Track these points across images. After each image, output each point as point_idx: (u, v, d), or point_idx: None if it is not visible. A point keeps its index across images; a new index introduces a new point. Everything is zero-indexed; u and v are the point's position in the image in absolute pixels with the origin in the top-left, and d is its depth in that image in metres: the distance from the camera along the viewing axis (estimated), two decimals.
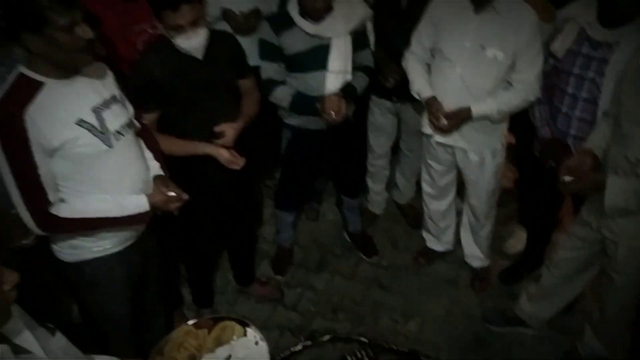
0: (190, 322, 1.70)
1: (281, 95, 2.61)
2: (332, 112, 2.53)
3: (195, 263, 2.82)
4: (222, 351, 1.62)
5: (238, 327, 1.67)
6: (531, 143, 2.64)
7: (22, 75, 1.68)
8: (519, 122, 2.72)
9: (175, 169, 2.15)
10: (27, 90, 1.65)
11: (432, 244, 3.23)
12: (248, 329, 1.67)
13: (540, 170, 2.57)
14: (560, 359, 2.68)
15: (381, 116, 3.15)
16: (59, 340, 1.36)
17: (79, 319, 2.45)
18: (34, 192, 1.69)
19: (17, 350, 1.19)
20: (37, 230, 1.75)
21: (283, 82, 2.64)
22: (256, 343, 1.63)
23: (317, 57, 2.57)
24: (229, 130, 2.33)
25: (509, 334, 2.81)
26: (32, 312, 1.36)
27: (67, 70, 1.73)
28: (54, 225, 1.76)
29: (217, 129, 2.32)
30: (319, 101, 2.56)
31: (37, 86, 1.67)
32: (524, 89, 2.48)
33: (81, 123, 1.73)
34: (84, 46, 1.67)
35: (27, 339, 1.24)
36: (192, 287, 2.91)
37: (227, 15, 2.87)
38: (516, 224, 3.32)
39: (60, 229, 1.81)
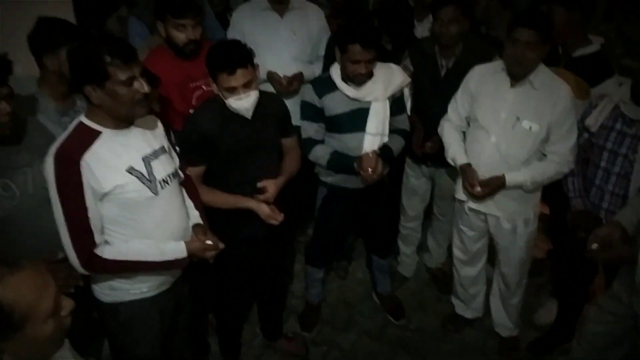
0: None
1: (320, 154, 2.72)
2: (369, 170, 2.61)
3: (225, 313, 2.87)
4: None
5: None
6: (564, 214, 2.65)
7: (82, 124, 1.82)
8: (552, 192, 2.74)
9: (215, 220, 2.24)
10: (86, 138, 1.79)
11: (461, 310, 3.21)
12: None
13: (572, 242, 2.57)
14: None
15: (415, 179, 3.22)
16: None
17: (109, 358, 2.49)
18: (82, 233, 1.79)
19: None
20: (81, 269, 1.84)
21: (322, 141, 2.75)
22: None
23: (356, 120, 2.69)
24: (271, 186, 2.43)
25: None
26: None
27: (123, 121, 1.86)
28: (97, 265, 1.85)
29: (260, 184, 2.42)
30: (356, 160, 2.65)
31: (95, 135, 1.80)
32: (558, 160, 2.53)
33: (131, 170, 1.85)
34: (140, 99, 1.82)
35: None
36: (219, 337, 2.94)
37: (271, 77, 3.04)
38: (547, 295, 3.28)
39: (102, 270, 1.90)
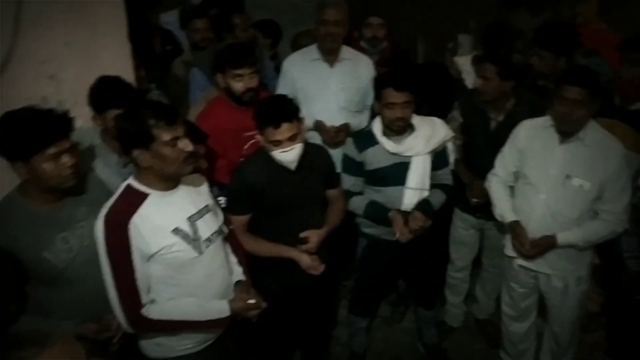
0: None
1: (357, 204, 2.74)
2: (398, 233, 2.62)
3: None
4: None
5: None
6: (618, 271, 2.57)
7: (130, 186, 1.91)
8: (604, 245, 2.64)
9: (258, 269, 2.29)
10: (134, 200, 1.88)
11: None
12: None
13: (628, 301, 2.48)
14: None
15: (464, 230, 3.19)
16: None
17: None
18: (129, 293, 1.87)
19: None
20: (128, 328, 1.92)
21: (360, 193, 2.77)
22: None
23: (396, 174, 2.70)
24: (313, 237, 2.46)
25: None
26: None
27: (170, 180, 1.94)
28: (143, 325, 1.92)
29: (303, 234, 2.46)
30: (391, 213, 2.65)
31: (142, 197, 1.89)
32: (612, 220, 2.45)
33: (177, 231, 1.92)
34: (185, 158, 1.89)
35: None
36: None
37: (319, 127, 3.09)
38: (601, 354, 3.15)
39: (148, 328, 1.97)
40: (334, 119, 3.10)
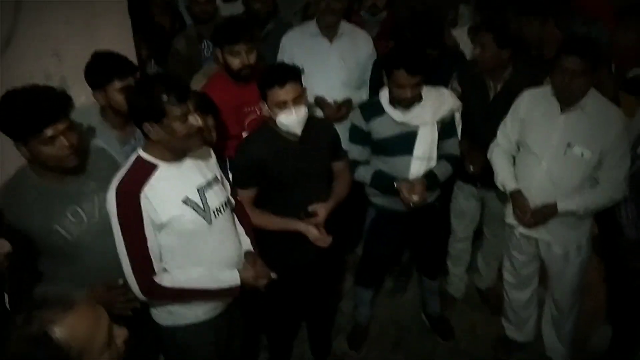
0: None
1: (363, 173, 2.77)
2: (408, 195, 2.64)
3: (275, 333, 2.95)
4: None
5: None
6: (617, 239, 2.60)
7: (140, 157, 1.94)
8: (603, 213, 2.67)
9: (265, 244, 2.32)
10: (144, 171, 1.90)
11: (512, 333, 3.17)
12: None
13: (626, 268, 2.52)
14: None
15: (465, 201, 3.22)
16: None
17: None
18: (142, 262, 1.91)
19: None
20: (142, 296, 1.96)
21: (366, 163, 2.80)
22: None
23: (403, 143, 2.72)
24: (321, 210, 2.48)
25: None
26: None
27: (179, 154, 1.96)
28: (156, 292, 1.96)
29: (311, 208, 2.48)
30: (396, 181, 2.68)
31: (152, 168, 1.91)
32: (611, 188, 2.48)
33: (187, 201, 1.95)
34: (195, 133, 1.91)
35: None
36: (270, 356, 3.03)
37: (321, 102, 3.10)
38: (601, 321, 3.20)
39: (161, 296, 2.01)
40: (334, 95, 3.11)
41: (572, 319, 2.91)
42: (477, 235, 3.45)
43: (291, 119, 2.31)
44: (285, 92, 2.27)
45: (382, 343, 3.31)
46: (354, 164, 2.77)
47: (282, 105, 2.29)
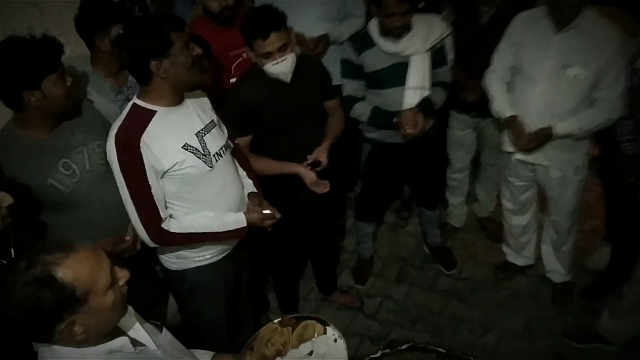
0: (276, 320, 1.86)
1: (360, 111, 2.75)
2: (408, 128, 2.63)
3: (282, 273, 3.01)
4: (304, 347, 1.77)
5: (318, 326, 1.81)
6: (615, 156, 2.61)
7: (136, 105, 1.91)
8: (604, 134, 2.68)
9: (264, 188, 2.33)
10: (142, 119, 1.88)
11: (512, 258, 3.24)
12: (328, 328, 1.80)
13: (624, 186, 2.54)
14: None
15: (460, 131, 3.21)
16: (166, 335, 1.53)
17: (172, 325, 2.67)
18: (148, 209, 1.91)
19: (134, 342, 1.36)
20: (150, 243, 1.97)
21: (362, 98, 2.77)
22: (335, 340, 1.77)
23: (396, 74, 2.70)
24: (322, 155, 2.47)
25: (589, 351, 2.78)
26: None
27: (177, 96, 1.94)
28: (165, 239, 1.98)
29: (311, 158, 2.46)
30: (396, 116, 2.67)
31: (149, 115, 1.89)
32: (607, 107, 2.47)
33: (187, 147, 1.94)
34: (197, 62, 1.90)
35: (140, 333, 1.41)
36: (278, 294, 3.10)
37: (298, 40, 3.02)
38: (600, 239, 3.26)
39: (169, 242, 2.03)
40: (311, 31, 3.01)
41: (571, 240, 2.97)
42: (475, 165, 3.47)
43: (278, 68, 2.28)
44: (269, 44, 2.22)
45: (385, 276, 3.38)
46: (349, 100, 2.74)
47: (268, 55, 2.25)
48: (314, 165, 2.46)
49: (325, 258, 3.14)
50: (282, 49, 2.25)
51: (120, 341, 1.32)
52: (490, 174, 3.37)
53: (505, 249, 3.27)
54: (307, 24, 3.01)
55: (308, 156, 2.46)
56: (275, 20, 2.23)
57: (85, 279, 1.18)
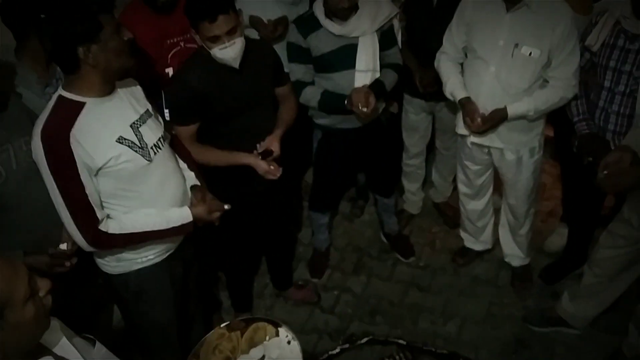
0: (223, 325, 1.73)
1: (310, 96, 2.63)
2: (360, 105, 2.52)
3: (233, 269, 2.86)
4: (255, 352, 1.65)
5: (270, 328, 1.69)
6: (570, 137, 2.57)
7: (62, 97, 1.73)
8: (557, 114, 2.65)
9: (211, 179, 2.19)
10: (69, 112, 1.71)
11: (470, 243, 3.19)
12: (280, 329, 1.69)
13: (580, 167, 2.50)
14: None
15: (414, 115, 3.13)
16: (99, 350, 1.39)
17: (119, 328, 2.51)
18: (82, 211, 1.75)
19: None
20: (87, 247, 1.81)
21: (312, 83, 2.66)
22: (288, 342, 1.65)
23: (344, 57, 2.59)
24: (273, 144, 2.34)
25: (551, 335, 2.76)
26: (73, 323, 1.40)
27: (108, 84, 1.78)
28: (103, 241, 1.82)
29: (261, 147, 2.33)
30: (347, 98, 2.56)
31: (78, 107, 1.72)
32: (561, 86, 2.43)
33: (121, 140, 1.78)
34: (128, 47, 1.76)
35: (68, 350, 1.27)
36: (230, 293, 2.96)
37: (255, 22, 2.89)
38: (557, 221, 3.25)
39: (109, 245, 1.87)
40: (269, 13, 2.89)
41: (528, 223, 2.93)
42: (430, 150, 3.40)
43: (226, 53, 2.13)
44: (217, 27, 2.07)
45: (343, 268, 3.29)
46: (298, 85, 2.61)
47: (215, 39, 2.10)
48: (265, 154, 2.33)
49: (280, 252, 3.02)
50: (231, 33, 2.10)
51: None
52: (447, 159, 3.30)
53: (462, 234, 3.22)
54: (264, 6, 2.88)
55: (258, 145, 2.33)
56: (223, 2, 2.07)
57: (0, 291, 1.05)
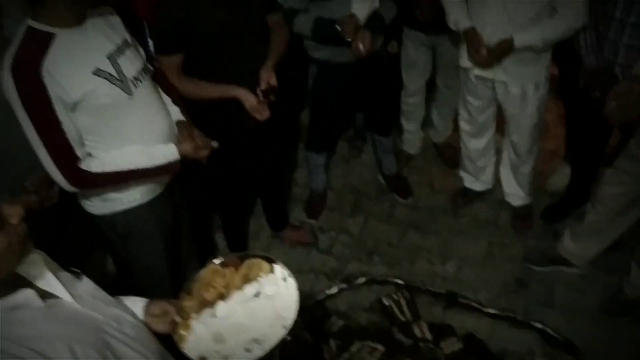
0: (217, 261, 1.66)
1: (302, 23, 2.48)
2: (360, 46, 2.40)
3: (226, 211, 2.79)
4: (250, 289, 1.58)
5: (265, 265, 1.62)
6: (576, 74, 2.46)
7: (30, 29, 1.60)
8: (563, 51, 2.54)
9: (199, 115, 2.08)
10: (39, 43, 1.58)
11: (470, 183, 3.12)
12: (275, 266, 1.62)
13: (586, 102, 2.41)
14: (605, 300, 2.58)
15: (414, 50, 3.00)
16: (86, 283, 1.32)
17: (114, 271, 2.46)
18: (61, 149, 1.65)
19: (43, 294, 1.15)
20: (70, 188, 1.72)
21: (305, 11, 2.51)
22: (284, 279, 1.58)
23: None
24: (270, 78, 2.23)
25: (551, 274, 2.72)
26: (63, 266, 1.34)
27: (77, 13, 1.65)
28: (85, 181, 1.73)
29: (263, 84, 2.21)
30: (338, 24, 2.41)
31: (48, 38, 1.59)
32: (570, 14, 2.30)
33: (98, 72, 1.67)
34: None
35: (52, 283, 1.20)
36: (226, 235, 2.90)
37: None
38: (560, 160, 3.17)
39: (92, 184, 1.78)
40: None
41: (530, 161, 2.85)
42: (430, 88, 3.28)
43: None
44: None
45: (340, 209, 3.23)
46: (290, 14, 2.46)
47: None
48: (267, 93, 2.22)
49: (274, 192, 2.94)
50: None
51: (23, 294, 1.11)
52: (447, 97, 3.19)
53: (462, 174, 3.14)
54: None
55: (258, 89, 2.21)
56: None
57: None
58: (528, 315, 2.56)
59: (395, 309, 2.58)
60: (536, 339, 2.48)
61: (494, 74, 2.52)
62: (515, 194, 2.97)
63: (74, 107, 1.65)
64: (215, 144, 1.98)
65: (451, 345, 2.42)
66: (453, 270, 2.82)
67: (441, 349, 2.40)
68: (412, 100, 3.22)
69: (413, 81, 3.12)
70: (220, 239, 2.96)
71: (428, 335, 2.46)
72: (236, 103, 2.21)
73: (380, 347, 2.41)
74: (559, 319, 2.54)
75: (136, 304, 1.50)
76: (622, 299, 2.51)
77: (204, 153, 1.96)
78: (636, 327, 2.48)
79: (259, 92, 2.22)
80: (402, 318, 2.54)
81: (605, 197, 2.39)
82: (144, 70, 1.84)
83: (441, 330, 2.48)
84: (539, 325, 2.50)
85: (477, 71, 2.55)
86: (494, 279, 2.76)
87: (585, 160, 2.79)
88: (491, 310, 2.58)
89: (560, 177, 3.07)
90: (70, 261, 1.40)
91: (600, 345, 2.42)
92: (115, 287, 1.56)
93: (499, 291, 2.70)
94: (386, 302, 2.61)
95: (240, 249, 2.87)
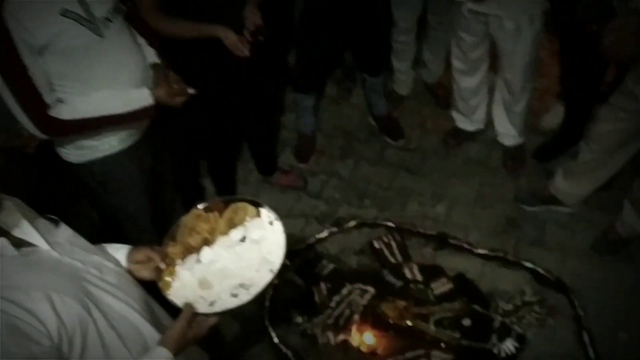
0: (200, 205, 1.61)
1: None
2: None
3: (213, 155, 2.74)
4: (236, 233, 1.53)
5: (251, 208, 1.56)
6: (572, 8, 2.37)
7: None
8: None
9: (178, 53, 1.99)
10: None
11: (462, 123, 3.06)
12: (261, 209, 1.56)
13: (581, 38, 2.32)
14: (598, 238, 2.57)
15: None
16: (64, 231, 1.29)
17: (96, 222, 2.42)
18: (28, 95, 1.60)
19: (18, 243, 1.13)
20: (40, 135, 1.67)
21: None
22: (271, 223, 1.53)
23: None
24: (256, 17, 2.13)
25: (542, 214, 2.71)
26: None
27: None
28: (55, 128, 1.67)
29: (250, 25, 2.12)
30: None
31: None
32: None
33: (66, 13, 1.58)
34: None
35: (27, 230, 1.17)
36: (213, 179, 2.85)
37: None
38: (553, 98, 3.10)
39: (63, 132, 1.73)
40: None
41: (523, 100, 2.78)
42: (422, 27, 3.15)
43: None
44: None
45: (330, 152, 3.17)
46: None
47: None
48: (256, 33, 2.12)
49: (262, 135, 2.88)
50: None
51: None
52: (439, 35, 3.08)
53: (454, 114, 3.07)
54: None
55: (245, 30, 2.11)
56: None
57: None
58: (518, 255, 2.56)
59: (386, 251, 2.57)
60: (527, 279, 2.48)
61: (488, 7, 2.42)
62: (508, 133, 2.92)
63: (40, 50, 1.57)
64: (192, 91, 1.89)
65: (441, 286, 2.42)
66: (444, 212, 2.80)
67: (432, 290, 2.41)
68: (402, 38, 3.10)
69: (403, 17, 2.99)
70: (209, 185, 2.91)
71: (418, 277, 2.46)
72: (218, 43, 2.11)
73: (371, 289, 2.41)
74: (549, 259, 2.54)
75: (119, 251, 1.47)
76: (613, 237, 2.51)
77: (179, 100, 1.87)
78: (626, 265, 2.49)
79: (245, 33, 2.12)
80: (392, 260, 2.54)
81: (599, 134, 2.35)
82: (116, 9, 1.74)
83: (432, 272, 2.49)
84: (529, 265, 2.49)
85: (471, 5, 2.45)
86: (485, 219, 2.74)
87: (580, 98, 2.73)
88: (481, 251, 2.57)
89: (554, 116, 3.01)
90: (52, 210, 1.35)
91: (591, 284, 2.44)
92: (100, 236, 1.52)
93: (490, 232, 2.69)
94: (377, 244, 2.60)
95: (229, 194, 2.83)
